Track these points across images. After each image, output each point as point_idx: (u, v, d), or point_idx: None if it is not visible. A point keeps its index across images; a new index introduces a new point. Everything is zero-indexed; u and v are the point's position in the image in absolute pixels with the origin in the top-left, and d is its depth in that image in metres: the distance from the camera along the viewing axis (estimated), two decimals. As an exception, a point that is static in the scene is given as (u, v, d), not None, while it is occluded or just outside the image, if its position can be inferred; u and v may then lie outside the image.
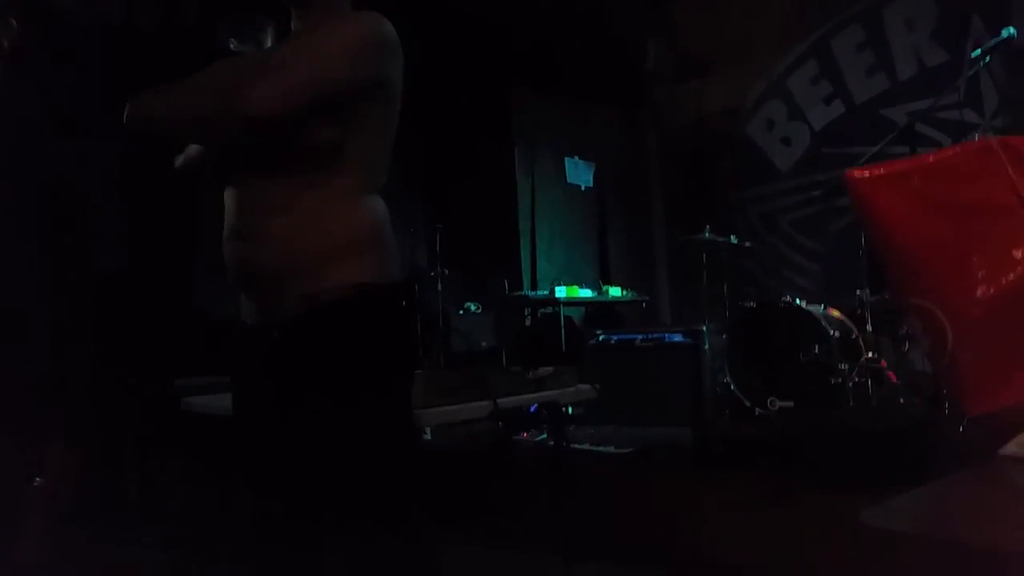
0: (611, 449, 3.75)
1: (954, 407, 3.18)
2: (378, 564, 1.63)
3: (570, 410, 4.39)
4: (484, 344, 5.66)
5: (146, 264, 4.10)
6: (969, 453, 2.87)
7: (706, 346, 4.51)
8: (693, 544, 2.80)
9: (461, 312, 5.76)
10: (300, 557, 1.68)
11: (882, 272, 3.60)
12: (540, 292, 5.82)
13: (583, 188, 7.02)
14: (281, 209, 1.60)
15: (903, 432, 2.84)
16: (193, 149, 1.83)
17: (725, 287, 5.06)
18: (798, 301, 4.34)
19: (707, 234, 4.93)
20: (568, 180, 6.91)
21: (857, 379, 3.91)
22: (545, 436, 3.94)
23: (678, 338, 4.60)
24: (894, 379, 4.05)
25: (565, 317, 5.44)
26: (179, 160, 1.86)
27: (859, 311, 4.12)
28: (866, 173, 3.13)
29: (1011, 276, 2.88)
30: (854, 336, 4.22)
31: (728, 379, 4.37)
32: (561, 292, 5.43)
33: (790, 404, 4.07)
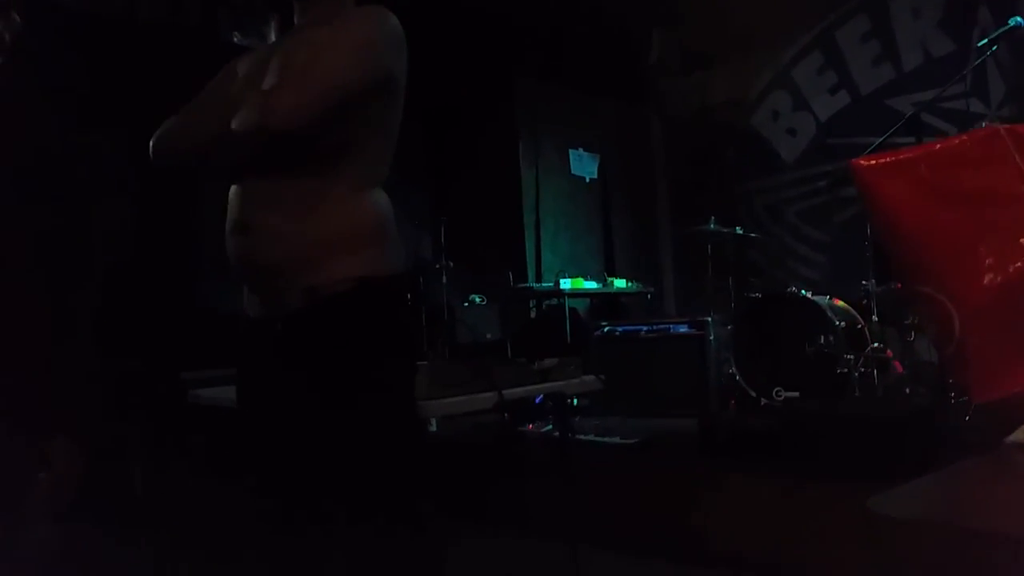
0: (616, 440, 3.75)
1: (960, 396, 3.18)
2: (383, 555, 1.63)
3: (575, 401, 4.39)
4: (489, 336, 5.66)
5: (150, 257, 4.10)
6: (975, 441, 2.87)
7: (711, 337, 4.51)
8: (699, 534, 2.80)
9: (466, 304, 5.76)
10: (305, 549, 1.68)
11: (888, 262, 3.59)
12: (545, 284, 5.82)
13: (587, 180, 7.01)
14: (284, 202, 1.60)
15: (909, 421, 2.83)
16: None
17: (730, 278, 5.05)
18: (804, 292, 4.33)
19: (712, 225, 4.92)
20: (572, 172, 6.90)
21: (863, 369, 3.91)
22: (551, 427, 3.94)
23: (683, 329, 4.60)
24: (900, 369, 4.04)
25: (570, 309, 5.44)
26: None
27: (865, 301, 4.11)
28: (872, 161, 3.12)
29: (1018, 264, 2.87)
30: (860, 326, 4.21)
31: (734, 370, 4.36)
32: (566, 284, 5.43)
33: (796, 394, 4.06)
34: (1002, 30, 3.38)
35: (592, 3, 6.17)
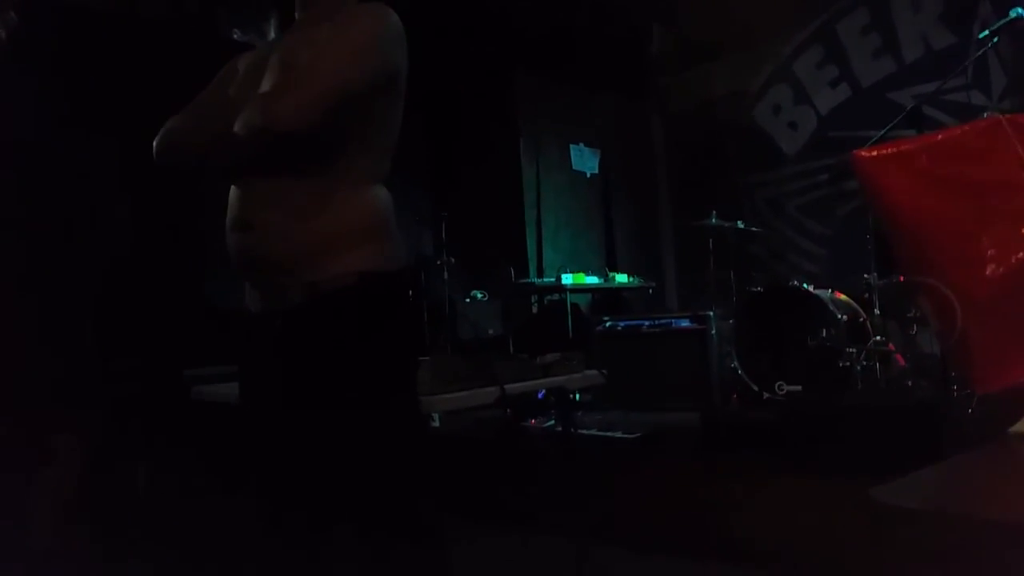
0: (619, 434, 3.75)
1: (963, 388, 3.17)
2: (386, 552, 1.63)
3: (577, 396, 4.40)
4: (491, 332, 5.66)
5: (152, 255, 4.10)
6: (979, 433, 2.87)
7: (713, 331, 4.51)
8: (702, 528, 2.80)
9: (468, 300, 5.76)
10: (309, 547, 1.68)
11: (890, 255, 3.58)
12: (546, 279, 5.82)
13: (588, 175, 7.01)
14: (285, 199, 1.60)
15: (912, 414, 2.83)
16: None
17: (732, 272, 5.05)
18: (805, 285, 4.32)
19: (713, 219, 4.92)
20: (573, 167, 6.90)
21: (865, 362, 3.90)
22: (553, 422, 3.95)
23: (685, 324, 4.60)
24: (902, 362, 4.04)
25: (572, 304, 5.44)
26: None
27: (867, 295, 4.11)
28: (873, 153, 3.11)
29: (1021, 254, 2.86)
30: (862, 320, 4.20)
31: (736, 364, 4.36)
32: (567, 279, 5.43)
33: (798, 388, 4.06)
34: (1003, 22, 3.37)
35: (592, -2, 6.17)
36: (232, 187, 1.69)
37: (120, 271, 3.77)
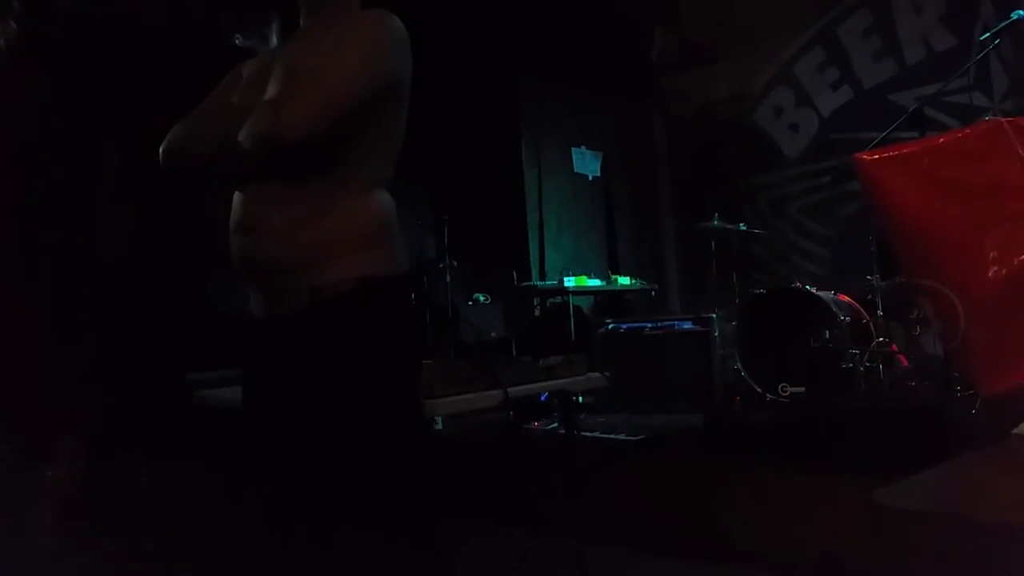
0: (622, 436, 3.76)
1: (966, 390, 3.17)
2: (389, 555, 1.64)
3: (580, 399, 4.40)
4: (494, 335, 5.66)
5: (156, 259, 4.11)
6: (982, 434, 2.87)
7: (716, 333, 4.51)
8: (705, 529, 2.80)
9: (470, 303, 5.76)
10: (313, 550, 1.69)
11: (892, 256, 3.58)
12: (549, 282, 5.83)
13: (590, 178, 7.01)
14: (289, 204, 1.61)
15: (915, 415, 2.82)
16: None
17: (734, 274, 5.05)
18: (808, 287, 4.32)
19: (716, 222, 4.92)
20: (575, 170, 6.90)
21: (868, 364, 3.90)
22: (556, 425, 3.95)
23: (688, 326, 4.60)
24: (905, 363, 4.04)
25: (574, 307, 5.44)
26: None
27: (869, 296, 4.11)
28: (875, 155, 3.12)
29: (1023, 256, 2.86)
30: (865, 321, 4.21)
31: (739, 366, 4.36)
32: (570, 282, 5.43)
33: (801, 390, 4.06)
34: (1005, 23, 3.37)
35: (593, 0, 6.17)
36: (236, 191, 1.69)
37: (123, 274, 3.78)
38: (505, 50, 6.22)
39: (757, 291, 4.67)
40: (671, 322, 4.67)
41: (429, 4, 4.57)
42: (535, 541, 2.71)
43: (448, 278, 5.40)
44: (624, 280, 5.94)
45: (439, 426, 4.02)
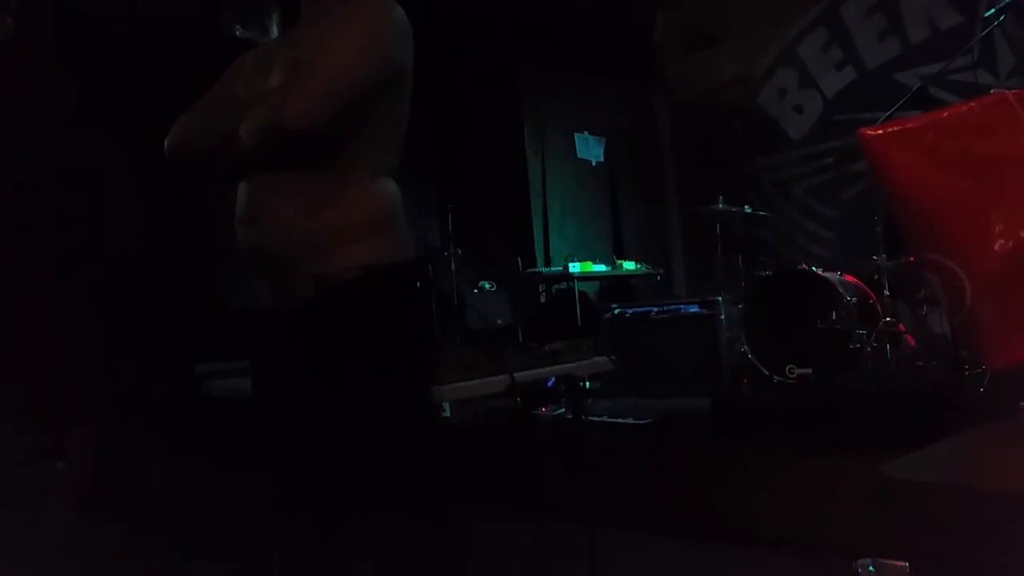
0: (630, 420, 3.76)
1: (973, 367, 3.17)
2: (400, 540, 1.65)
3: (587, 384, 4.40)
4: (500, 322, 5.67)
5: (164, 252, 4.12)
6: (990, 411, 2.86)
7: (722, 316, 4.50)
8: (714, 512, 2.81)
9: (475, 291, 5.76)
10: (325, 538, 1.70)
11: (898, 236, 3.57)
12: (554, 268, 5.82)
13: (594, 163, 6.99)
14: (294, 194, 1.61)
15: (923, 394, 2.82)
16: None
17: (740, 257, 5.04)
18: (814, 268, 4.31)
19: (721, 204, 4.90)
20: (579, 155, 6.88)
21: (875, 344, 3.89)
22: (563, 410, 3.95)
23: (694, 309, 4.59)
24: (912, 343, 4.03)
25: (580, 292, 5.44)
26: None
27: (876, 276, 4.09)
28: (879, 131, 3.11)
29: (1029, 229, 2.85)
30: (871, 301, 4.19)
31: (745, 348, 4.36)
32: (575, 268, 5.42)
33: (808, 371, 4.06)
34: (1009, 0, 3.35)
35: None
36: (242, 183, 1.70)
37: (130, 268, 3.79)
38: (508, 36, 6.19)
39: (763, 273, 4.66)
40: (677, 306, 4.66)
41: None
42: (543, 526, 2.72)
43: (453, 266, 5.41)
44: (629, 265, 5.94)
45: (447, 412, 4.03)
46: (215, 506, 2.92)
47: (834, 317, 4.04)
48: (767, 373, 4.22)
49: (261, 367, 1.80)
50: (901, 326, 4.03)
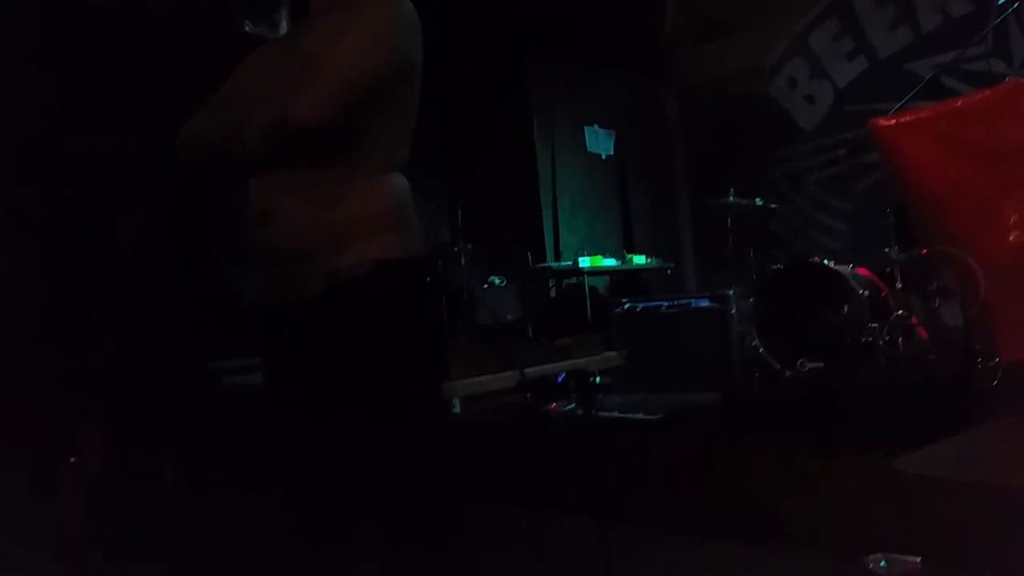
0: (640, 416, 3.75)
1: (987, 361, 3.15)
2: (410, 539, 1.65)
3: (598, 379, 4.40)
4: (510, 317, 5.67)
5: (175, 249, 4.14)
6: (1003, 404, 2.84)
7: (733, 310, 4.48)
8: (726, 507, 2.80)
9: (486, 286, 5.77)
10: (332, 534, 1.70)
11: (911, 228, 3.54)
12: (564, 263, 5.82)
13: (604, 156, 6.97)
14: (305, 190, 1.61)
15: (936, 387, 2.81)
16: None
17: (751, 250, 5.01)
18: (826, 261, 4.29)
19: (731, 197, 4.88)
20: (588, 149, 6.86)
21: (888, 337, 3.87)
22: (573, 405, 3.95)
23: (705, 303, 4.58)
24: (925, 335, 4.00)
25: (590, 287, 5.43)
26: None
27: (888, 269, 4.07)
28: (892, 121, 3.08)
29: (1045, 219, 2.83)
30: (883, 294, 4.17)
31: (756, 342, 4.34)
32: (585, 262, 5.42)
33: (820, 365, 4.04)
34: (1024, -14, 3.31)
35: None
36: (251, 179, 1.70)
37: (143, 266, 3.80)
38: (516, 29, 6.18)
39: (774, 267, 4.64)
40: (688, 300, 4.65)
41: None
42: (553, 522, 2.73)
43: (463, 261, 5.41)
44: (640, 259, 5.92)
45: (457, 408, 4.04)
46: (225, 503, 2.94)
47: (846, 310, 4.02)
48: (778, 367, 4.20)
49: (273, 363, 1.80)
50: (914, 319, 4.00)
